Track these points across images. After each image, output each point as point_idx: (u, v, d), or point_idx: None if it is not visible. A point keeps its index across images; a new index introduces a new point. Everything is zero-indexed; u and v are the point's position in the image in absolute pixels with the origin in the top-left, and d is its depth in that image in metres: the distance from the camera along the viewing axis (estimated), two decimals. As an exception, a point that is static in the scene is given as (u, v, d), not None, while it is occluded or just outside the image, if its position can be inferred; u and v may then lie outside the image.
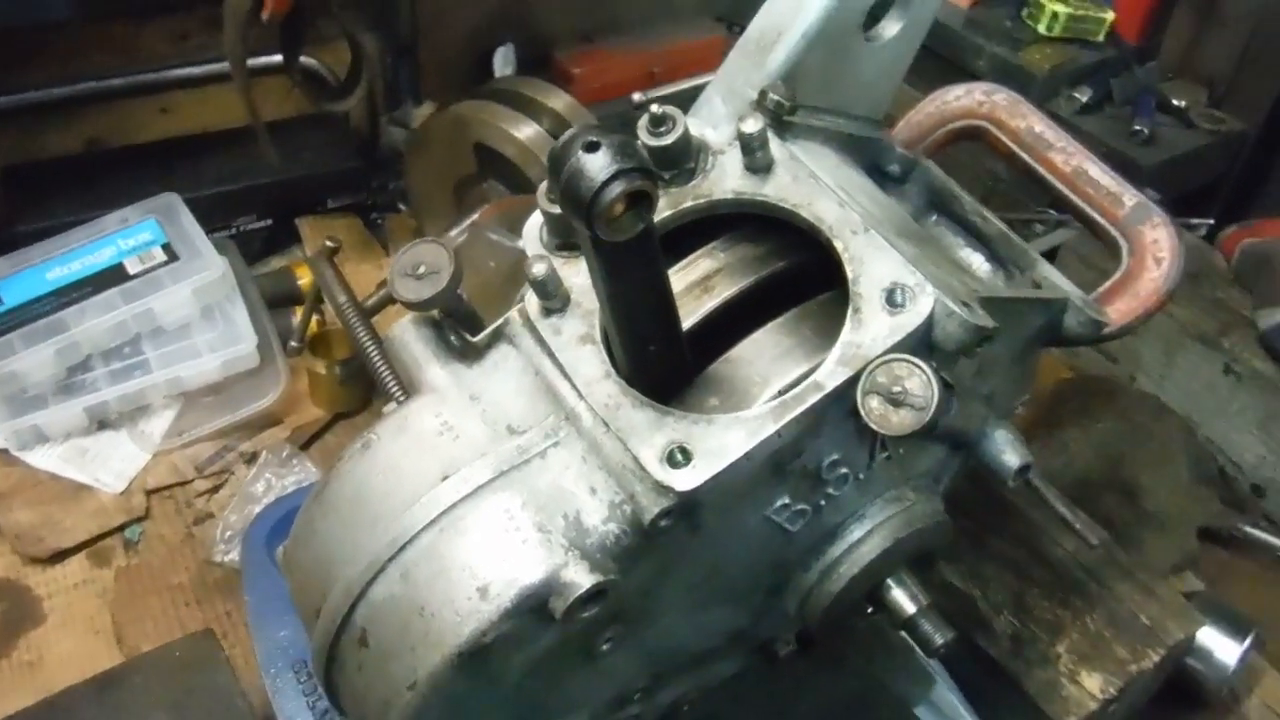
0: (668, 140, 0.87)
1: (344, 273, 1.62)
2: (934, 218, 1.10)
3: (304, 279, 1.81)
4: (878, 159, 1.08)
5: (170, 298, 1.60)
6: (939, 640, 0.92)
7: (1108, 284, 1.05)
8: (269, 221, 1.95)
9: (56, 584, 1.46)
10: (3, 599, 1.44)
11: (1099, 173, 1.09)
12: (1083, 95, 2.08)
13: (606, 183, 0.64)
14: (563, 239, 0.90)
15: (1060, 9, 2.09)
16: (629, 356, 0.82)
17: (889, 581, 0.94)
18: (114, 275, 1.61)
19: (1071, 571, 1.32)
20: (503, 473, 0.82)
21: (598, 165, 0.64)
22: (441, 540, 0.80)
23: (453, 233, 1.77)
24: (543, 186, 0.88)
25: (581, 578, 0.77)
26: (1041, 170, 1.11)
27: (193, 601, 1.44)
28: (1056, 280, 0.99)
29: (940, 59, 2.17)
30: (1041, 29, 2.12)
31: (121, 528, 1.52)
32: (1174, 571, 1.56)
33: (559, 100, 1.80)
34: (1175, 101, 2.11)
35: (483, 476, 0.81)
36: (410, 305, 0.88)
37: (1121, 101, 2.10)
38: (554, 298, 0.86)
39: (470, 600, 0.78)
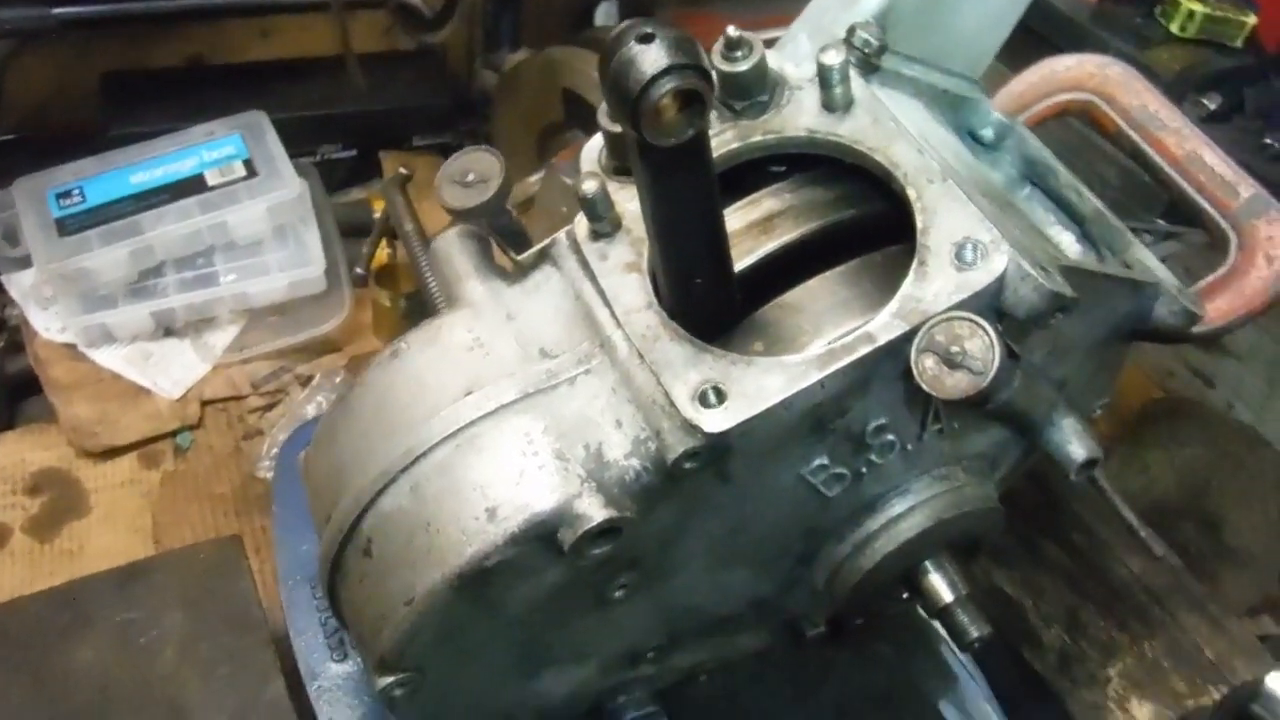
0: (742, 66, 0.82)
1: (419, 210, 1.62)
2: (1026, 191, 1.02)
3: (380, 212, 1.81)
4: (971, 121, 1.00)
5: (245, 212, 1.60)
6: (974, 634, 0.86)
7: (1209, 279, 0.96)
8: (354, 152, 1.95)
9: (105, 479, 1.48)
10: (52, 487, 1.46)
11: (1215, 159, 1.00)
12: (1211, 103, 1.93)
13: (657, 77, 0.59)
14: (621, 162, 0.85)
15: (1197, 8, 1.95)
16: (673, 288, 0.78)
17: (927, 565, 0.88)
18: (194, 185, 1.62)
19: (1134, 593, 1.23)
20: (528, 395, 0.78)
21: (650, 58, 0.59)
22: (456, 456, 0.77)
23: (532, 178, 1.75)
24: (604, 106, 0.84)
25: (594, 511, 0.73)
26: (1151, 152, 1.03)
27: (232, 513, 1.44)
28: (1150, 264, 0.91)
29: (1060, 52, 2.06)
30: (1174, 29, 1.98)
31: (174, 433, 1.54)
32: (1250, 613, 1.45)
33: (654, 55, 1.75)
34: (1313, 119, 1.96)
35: (507, 396, 0.78)
36: (455, 213, 0.84)
37: (1254, 113, 1.95)
38: (603, 220, 0.81)
39: (477, 521, 0.74)
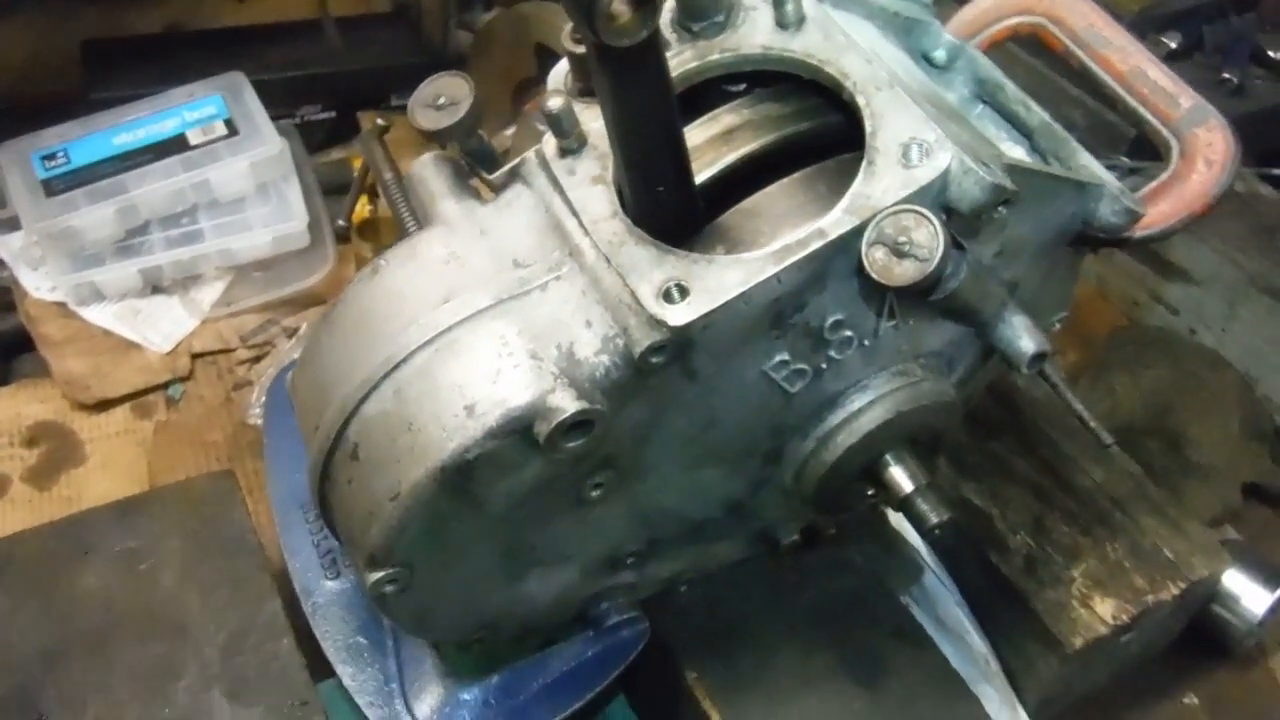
0: (697, -15, 0.85)
1: (397, 165, 1.65)
2: (978, 110, 1.07)
3: (360, 167, 1.84)
4: (923, 44, 1.04)
5: (227, 169, 1.63)
6: (934, 519, 0.90)
7: (1152, 184, 1.01)
8: (333, 114, 1.98)
9: (99, 430, 1.52)
10: (50, 439, 1.50)
11: (1158, 73, 1.04)
12: (1171, 41, 1.98)
13: (609, -23, 0.63)
14: (585, 83, 0.89)
15: (1157, -51, 2.01)
16: (637, 195, 0.82)
17: (888, 458, 0.93)
18: (176, 144, 1.65)
19: (1097, 501, 1.28)
20: (502, 301, 0.82)
21: (602, -41, 0.63)
22: (435, 360, 0.81)
23: (507, 131, 1.78)
24: (567, 28, 0.88)
25: (567, 403, 0.77)
26: (1097, 69, 1.07)
27: (225, 459, 1.48)
28: (1094, 168, 0.95)
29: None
30: (1135, -31, 2.03)
31: (165, 385, 1.57)
32: (1213, 524, 1.50)
33: (625, 6, 1.78)
34: (1271, 54, 2.00)
35: (482, 302, 0.82)
36: (428, 135, 0.88)
37: (1213, 50, 2.00)
38: (569, 136, 0.85)
39: (457, 418, 0.79)
